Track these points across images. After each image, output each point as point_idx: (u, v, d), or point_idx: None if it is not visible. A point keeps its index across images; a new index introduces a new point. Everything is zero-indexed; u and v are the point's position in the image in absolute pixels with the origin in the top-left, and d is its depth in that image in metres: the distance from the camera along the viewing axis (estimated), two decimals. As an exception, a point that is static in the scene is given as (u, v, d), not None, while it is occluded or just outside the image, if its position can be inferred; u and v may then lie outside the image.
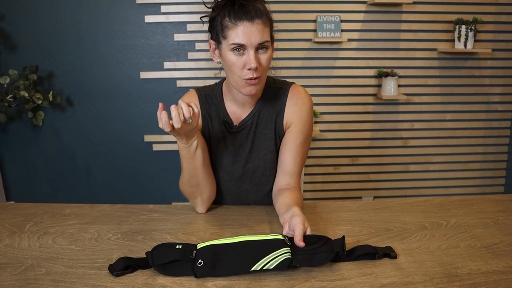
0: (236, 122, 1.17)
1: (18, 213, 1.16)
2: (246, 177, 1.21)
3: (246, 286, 0.81)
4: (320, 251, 0.87)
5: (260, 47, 1.01)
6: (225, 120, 1.17)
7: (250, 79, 1.03)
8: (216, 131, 1.18)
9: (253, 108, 1.17)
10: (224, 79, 1.19)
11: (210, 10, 1.06)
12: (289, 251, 0.86)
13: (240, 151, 1.19)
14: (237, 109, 1.17)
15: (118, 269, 0.84)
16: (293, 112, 1.16)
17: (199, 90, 1.20)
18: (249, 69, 1.01)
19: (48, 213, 1.16)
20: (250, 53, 1.00)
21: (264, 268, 0.83)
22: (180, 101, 0.96)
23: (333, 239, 0.91)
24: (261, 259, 0.84)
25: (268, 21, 1.03)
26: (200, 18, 1.10)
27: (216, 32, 1.04)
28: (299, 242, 0.87)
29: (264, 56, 1.03)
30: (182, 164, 1.10)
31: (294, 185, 1.17)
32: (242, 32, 0.98)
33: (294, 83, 1.20)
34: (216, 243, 0.90)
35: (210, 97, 1.19)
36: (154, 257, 0.86)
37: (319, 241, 0.89)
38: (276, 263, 0.83)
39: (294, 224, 0.91)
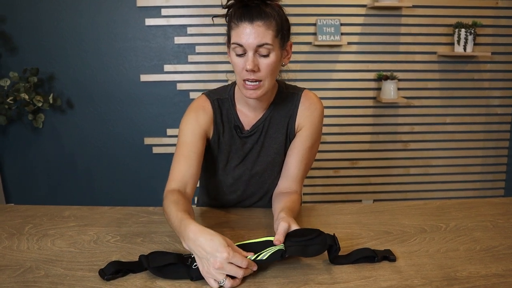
0: (247, 126, 1.16)
1: (17, 215, 1.16)
2: (254, 180, 1.20)
3: (245, 289, 0.81)
4: (313, 243, 0.87)
5: (261, 51, 0.98)
6: (236, 125, 1.15)
7: (249, 82, 1.02)
8: (226, 135, 1.16)
9: (265, 112, 1.15)
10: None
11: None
12: (282, 246, 0.86)
13: (249, 155, 1.18)
14: (249, 113, 1.15)
15: (109, 273, 0.84)
16: (305, 116, 1.16)
17: (210, 95, 1.16)
18: (247, 71, 1.00)
19: (47, 215, 1.16)
20: (249, 55, 0.99)
21: (258, 259, 0.83)
22: (226, 258, 0.79)
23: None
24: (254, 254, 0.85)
25: (273, 24, 0.98)
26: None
27: (227, 33, 1.04)
28: (280, 237, 0.86)
29: (264, 61, 1.00)
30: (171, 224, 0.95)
31: (295, 190, 1.16)
32: (241, 32, 0.97)
33: (306, 88, 1.20)
34: None
35: (222, 101, 1.16)
36: (150, 260, 0.86)
37: (312, 233, 0.89)
38: (269, 254, 0.84)
39: (278, 225, 0.91)
